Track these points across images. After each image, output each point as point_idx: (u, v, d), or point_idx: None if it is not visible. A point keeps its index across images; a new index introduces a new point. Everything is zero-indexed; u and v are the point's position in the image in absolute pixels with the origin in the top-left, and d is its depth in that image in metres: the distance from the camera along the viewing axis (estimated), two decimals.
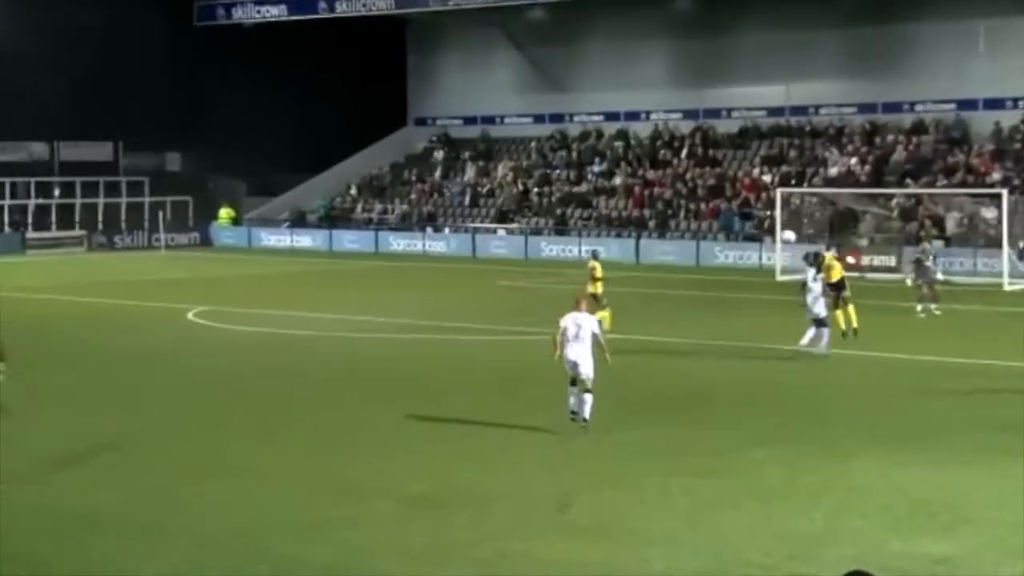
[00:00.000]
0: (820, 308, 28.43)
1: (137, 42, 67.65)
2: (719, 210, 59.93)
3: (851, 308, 30.24)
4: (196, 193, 72.79)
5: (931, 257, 37.81)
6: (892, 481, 17.61)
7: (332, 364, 28.80)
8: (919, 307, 36.37)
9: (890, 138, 59.94)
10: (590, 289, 31.49)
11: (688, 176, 63.21)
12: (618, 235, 60.99)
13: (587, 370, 20.39)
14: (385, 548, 14.74)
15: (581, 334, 20.47)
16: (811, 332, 28.43)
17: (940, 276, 37.96)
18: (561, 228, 63.32)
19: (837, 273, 30.55)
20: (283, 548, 14.73)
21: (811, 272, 29.53)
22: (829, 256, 31.31)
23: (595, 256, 33.93)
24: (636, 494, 17.01)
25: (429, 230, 66.94)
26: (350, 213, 70.92)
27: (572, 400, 20.68)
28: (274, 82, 68.59)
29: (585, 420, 20.45)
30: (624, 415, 22.59)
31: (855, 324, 29.98)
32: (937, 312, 36.33)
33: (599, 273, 32.41)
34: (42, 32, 65.41)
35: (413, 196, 70.83)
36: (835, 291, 30.13)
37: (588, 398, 20.44)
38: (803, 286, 29.57)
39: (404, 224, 68.52)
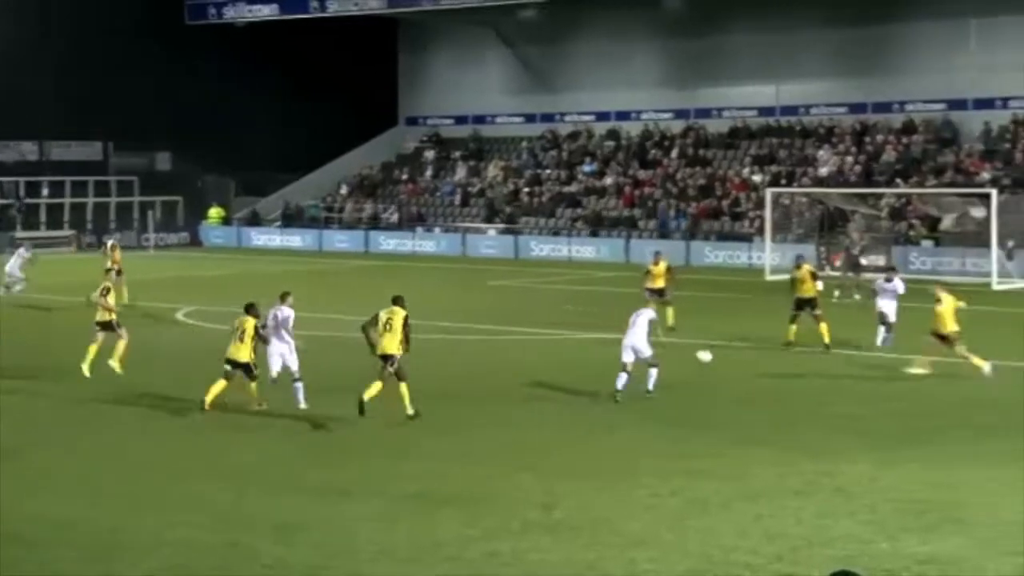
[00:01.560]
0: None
1: (127, 41, 67.50)
2: (709, 210, 59.98)
3: (824, 326, 29.42)
4: (186, 192, 72.73)
5: (858, 247, 38.93)
6: (880, 481, 17.59)
7: (320, 363, 28.70)
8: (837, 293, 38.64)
9: (880, 138, 59.98)
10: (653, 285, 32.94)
11: (679, 176, 63.22)
12: (608, 235, 60.98)
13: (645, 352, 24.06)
14: (370, 549, 14.67)
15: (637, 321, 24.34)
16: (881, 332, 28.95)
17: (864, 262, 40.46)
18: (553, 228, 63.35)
19: (809, 289, 30.01)
20: (267, 548, 14.67)
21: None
22: (804, 270, 30.73)
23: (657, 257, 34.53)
24: (624, 495, 16.98)
25: (419, 230, 66.91)
26: (340, 214, 70.87)
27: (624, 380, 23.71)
28: (265, 81, 68.51)
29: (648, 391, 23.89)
30: (613, 416, 22.58)
31: (827, 340, 29.27)
32: (857, 298, 37.67)
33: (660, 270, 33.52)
34: (32, 31, 65.31)
35: (403, 196, 70.78)
36: (800, 307, 29.64)
37: (653, 372, 24.02)
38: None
39: (394, 224, 68.47)
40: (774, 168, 60.94)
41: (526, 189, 66.82)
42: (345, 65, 71.64)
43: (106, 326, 26.27)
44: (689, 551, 14.50)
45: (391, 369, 21.94)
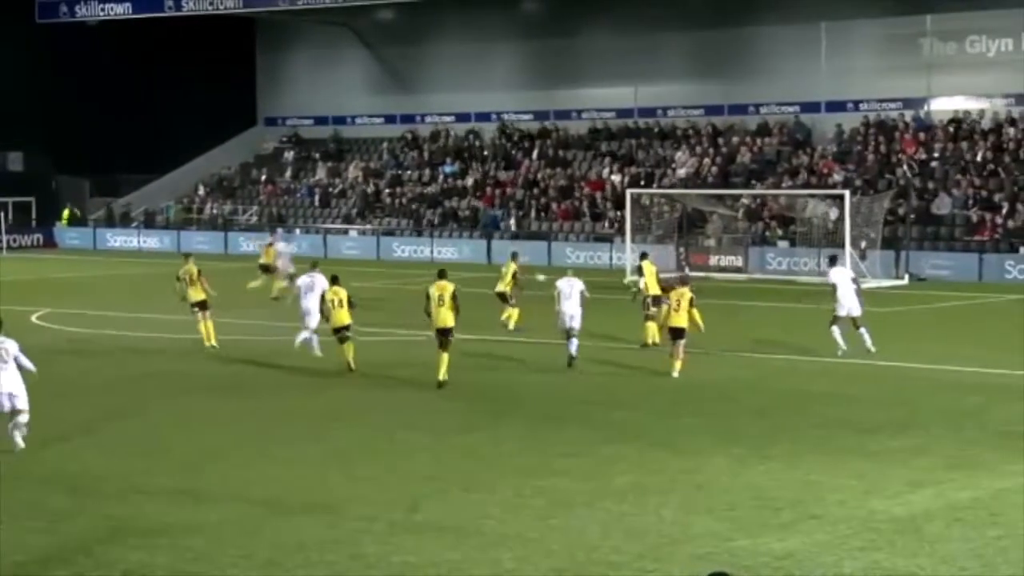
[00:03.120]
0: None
1: None
2: (569, 212, 60.37)
3: (652, 325, 29.70)
4: (39, 193, 71.30)
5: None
6: (739, 479, 17.85)
7: (174, 365, 28.36)
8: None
9: (735, 139, 60.87)
10: (501, 288, 33.16)
11: (539, 176, 63.51)
12: (470, 236, 61.04)
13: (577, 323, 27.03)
14: (232, 553, 14.51)
15: (572, 293, 27.29)
16: None
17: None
18: (417, 229, 63.25)
19: (653, 287, 30.45)
20: (124, 555, 14.43)
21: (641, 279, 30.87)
22: (647, 263, 31.45)
23: (513, 257, 34.65)
24: (488, 495, 17.01)
25: (280, 231, 66.19)
26: (199, 215, 70.02)
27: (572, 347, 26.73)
28: (121, 80, 67.51)
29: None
30: (473, 417, 22.62)
31: (655, 340, 29.46)
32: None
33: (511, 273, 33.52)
34: None
35: (263, 197, 70.14)
36: (654, 303, 29.96)
37: (575, 341, 26.94)
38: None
39: (254, 225, 67.81)
40: (633, 169, 61.49)
41: (387, 190, 66.63)
42: (202, 64, 70.85)
43: None
44: (553, 550, 14.57)
45: (450, 339, 24.47)
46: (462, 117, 69.22)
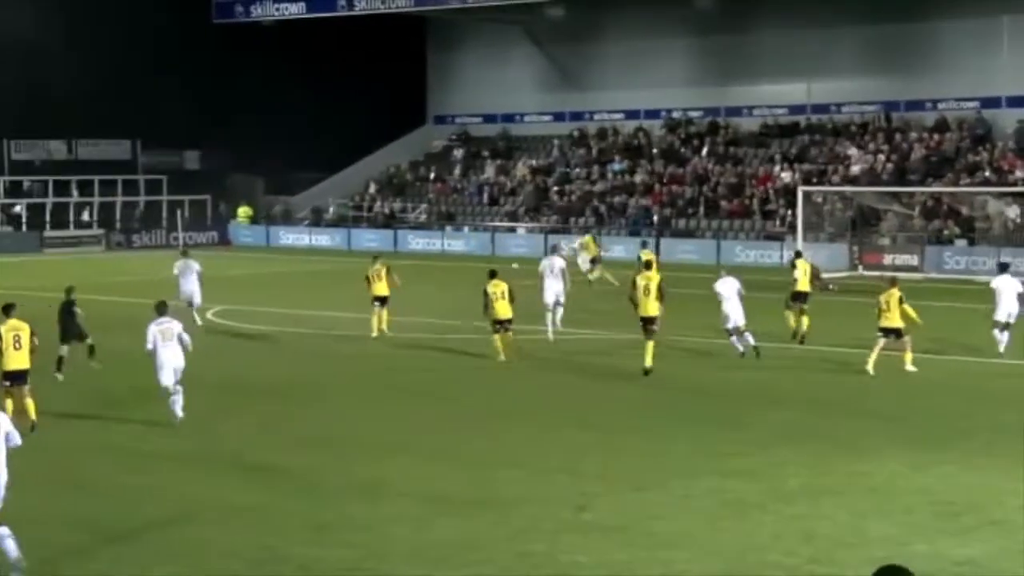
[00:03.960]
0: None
1: (155, 39, 67.69)
2: (739, 210, 59.84)
3: (792, 314, 30.92)
4: (214, 191, 72.92)
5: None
6: (915, 482, 17.50)
7: (350, 363, 28.78)
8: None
9: (912, 136, 59.70)
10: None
11: (708, 174, 63.11)
12: (637, 233, 60.78)
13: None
14: (403, 550, 14.67)
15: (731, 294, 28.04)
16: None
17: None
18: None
19: (803, 284, 31.32)
20: (297, 551, 14.68)
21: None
22: (801, 261, 32.32)
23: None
24: (658, 495, 16.93)
25: (448, 228, 66.95)
26: (369, 213, 70.97)
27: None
28: (293, 80, 68.53)
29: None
30: (645, 416, 22.53)
31: (799, 331, 30.43)
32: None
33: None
34: (60, 30, 65.53)
35: (432, 195, 70.83)
36: (793, 299, 31.08)
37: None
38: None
39: (423, 223, 68.52)
40: (805, 166, 60.72)
41: (555, 188, 66.78)
42: (373, 64, 71.71)
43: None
44: (724, 552, 14.45)
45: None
46: (631, 114, 69.05)
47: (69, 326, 26.30)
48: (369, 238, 66.66)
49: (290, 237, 69.65)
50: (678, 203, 62.05)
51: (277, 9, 70.84)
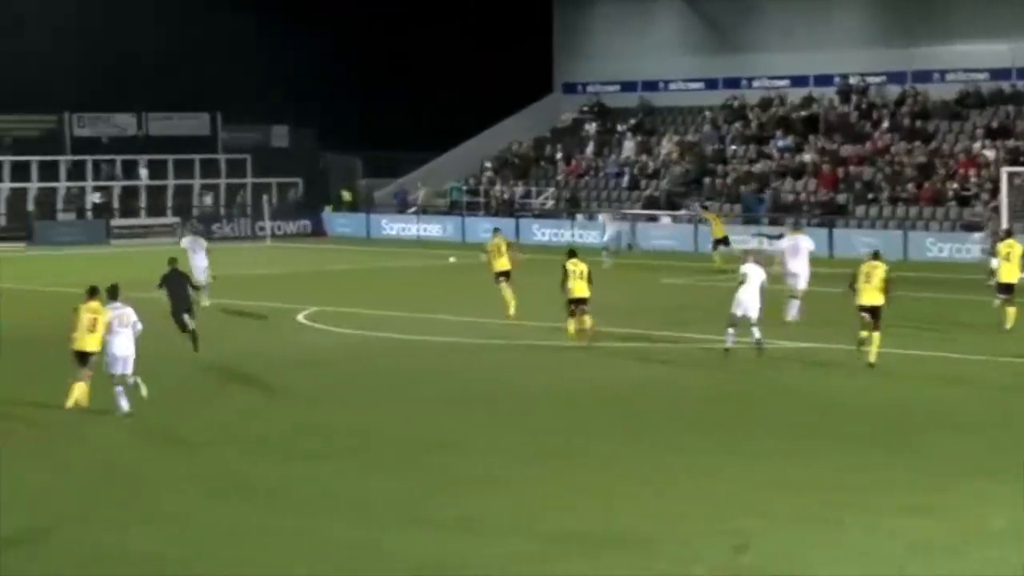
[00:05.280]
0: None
1: (237, 2, 68.36)
2: (931, 195, 59.13)
3: (1012, 310, 31.80)
4: (306, 173, 73.48)
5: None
6: None
7: (469, 376, 28.85)
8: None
9: None
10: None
11: (892, 152, 62.49)
12: (807, 222, 60.30)
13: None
14: None
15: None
16: None
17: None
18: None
19: (1009, 274, 32.42)
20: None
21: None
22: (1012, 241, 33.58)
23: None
24: (830, 536, 16.71)
25: (580, 217, 66.89)
26: (485, 198, 71.15)
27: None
28: (398, 45, 68.72)
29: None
30: (803, 439, 22.28)
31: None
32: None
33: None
34: None
35: (560, 177, 70.86)
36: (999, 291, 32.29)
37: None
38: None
39: (550, 210, 68.57)
40: (1010, 143, 59.90)
41: (710, 167, 66.52)
42: (491, 25, 71.88)
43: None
44: None
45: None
46: (798, 81, 68.55)
47: (180, 296, 30.79)
48: (486, 228, 66.68)
49: (394, 227, 69.98)
50: (856, 187, 61.48)
51: None
